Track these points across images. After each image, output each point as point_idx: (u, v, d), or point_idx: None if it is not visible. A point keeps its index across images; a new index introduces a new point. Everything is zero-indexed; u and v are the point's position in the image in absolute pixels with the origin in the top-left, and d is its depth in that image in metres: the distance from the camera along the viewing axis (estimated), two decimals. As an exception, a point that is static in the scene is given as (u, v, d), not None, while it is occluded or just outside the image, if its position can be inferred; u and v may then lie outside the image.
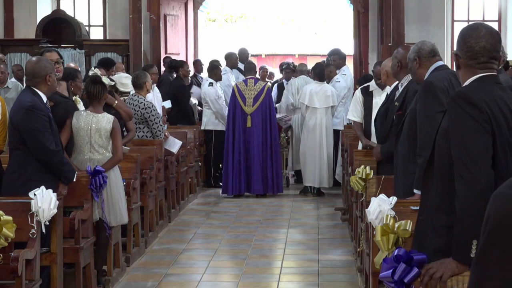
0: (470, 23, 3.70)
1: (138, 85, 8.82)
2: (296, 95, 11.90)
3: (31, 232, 4.89)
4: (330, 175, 11.24)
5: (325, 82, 11.33)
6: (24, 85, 5.91)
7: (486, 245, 1.64)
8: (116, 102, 7.54)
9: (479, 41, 3.26)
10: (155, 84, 10.64)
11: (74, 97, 6.63)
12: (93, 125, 6.27)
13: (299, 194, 11.39)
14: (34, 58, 5.72)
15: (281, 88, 13.66)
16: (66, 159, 5.64)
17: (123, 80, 9.07)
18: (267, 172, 10.97)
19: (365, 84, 8.61)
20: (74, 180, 5.65)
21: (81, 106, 6.73)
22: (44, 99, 5.50)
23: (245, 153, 11.01)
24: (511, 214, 1.58)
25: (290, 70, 13.84)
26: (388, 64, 6.49)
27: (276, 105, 12.73)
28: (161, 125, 8.86)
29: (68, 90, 6.50)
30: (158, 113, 8.93)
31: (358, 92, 8.42)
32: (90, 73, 6.62)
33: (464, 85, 3.30)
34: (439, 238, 3.19)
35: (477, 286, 1.69)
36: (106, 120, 6.34)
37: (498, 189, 1.67)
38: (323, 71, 11.36)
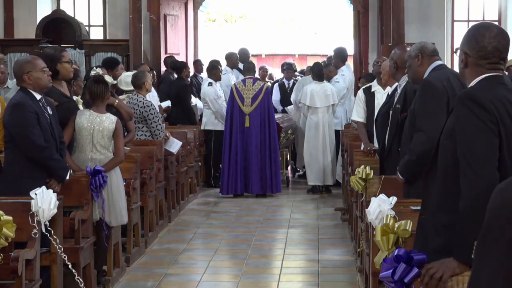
0: (479, 22, 3.68)
1: (137, 85, 8.83)
2: None
3: (33, 232, 4.89)
4: (334, 172, 11.32)
5: (324, 81, 11.41)
6: None
7: (482, 238, 1.67)
8: (116, 101, 7.55)
9: (491, 41, 3.25)
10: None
11: (75, 98, 6.62)
12: (96, 125, 6.27)
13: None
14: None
15: (282, 88, 13.68)
16: (57, 156, 5.58)
17: (127, 79, 9.10)
18: (266, 172, 10.97)
19: (367, 84, 8.62)
20: (67, 178, 5.65)
21: (81, 107, 6.72)
22: (38, 96, 5.51)
23: (243, 153, 11.01)
24: (504, 208, 1.61)
25: (292, 71, 13.87)
26: (388, 64, 6.50)
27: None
28: (160, 124, 8.85)
29: (69, 90, 6.49)
30: (157, 112, 8.93)
31: (361, 92, 8.43)
32: (92, 73, 6.60)
33: (471, 85, 3.29)
34: (440, 237, 3.19)
35: (474, 277, 1.72)
36: (109, 121, 6.33)
37: (499, 185, 1.69)
38: (322, 71, 11.48)
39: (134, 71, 9.69)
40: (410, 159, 4.92)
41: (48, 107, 5.60)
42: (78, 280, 5.28)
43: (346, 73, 12.08)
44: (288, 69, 13.89)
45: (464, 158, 3.09)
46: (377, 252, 4.07)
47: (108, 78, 6.50)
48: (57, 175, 5.57)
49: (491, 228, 1.65)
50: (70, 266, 5.24)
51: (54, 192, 5.46)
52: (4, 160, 5.58)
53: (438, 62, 5.16)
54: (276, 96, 13.40)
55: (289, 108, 13.04)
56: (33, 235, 4.89)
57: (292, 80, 13.72)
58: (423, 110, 4.91)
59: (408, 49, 5.63)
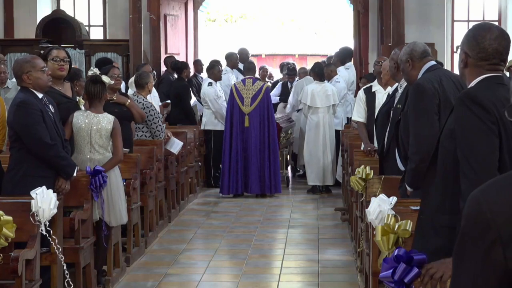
0: (480, 22, 3.67)
1: (140, 84, 8.82)
2: None
3: (40, 229, 4.90)
4: (334, 172, 11.33)
5: (325, 81, 11.41)
6: None
7: (458, 247, 1.69)
8: (128, 101, 7.56)
9: (492, 43, 3.24)
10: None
11: (78, 98, 6.62)
12: (93, 125, 6.27)
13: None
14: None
15: (285, 88, 13.64)
16: (64, 153, 5.60)
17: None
18: (265, 172, 10.96)
19: (368, 85, 8.62)
20: (75, 174, 5.66)
21: (82, 107, 6.71)
22: (39, 95, 5.52)
23: (243, 153, 11.01)
24: (479, 216, 1.63)
25: (294, 76, 13.79)
26: (389, 64, 6.49)
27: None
28: (160, 125, 8.85)
29: (72, 90, 6.50)
30: (157, 112, 8.92)
31: (361, 92, 8.43)
32: (90, 73, 6.60)
33: (471, 85, 3.29)
34: (440, 238, 3.19)
35: (453, 281, 1.74)
36: (107, 120, 6.33)
37: (473, 192, 1.71)
38: (323, 71, 11.47)
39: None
40: (411, 168, 4.83)
41: (50, 105, 5.61)
42: None
43: (342, 74, 12.09)
44: (292, 74, 13.78)
45: (464, 158, 3.09)
46: (377, 252, 4.08)
47: (106, 78, 6.50)
48: (64, 172, 5.58)
49: (468, 235, 1.66)
50: (51, 271, 5.23)
51: (64, 191, 5.50)
52: (10, 160, 5.57)
53: (431, 63, 5.09)
54: (275, 93, 13.40)
55: (280, 105, 13.12)
56: (40, 232, 4.89)
57: (295, 80, 13.74)
58: (416, 114, 4.85)
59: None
